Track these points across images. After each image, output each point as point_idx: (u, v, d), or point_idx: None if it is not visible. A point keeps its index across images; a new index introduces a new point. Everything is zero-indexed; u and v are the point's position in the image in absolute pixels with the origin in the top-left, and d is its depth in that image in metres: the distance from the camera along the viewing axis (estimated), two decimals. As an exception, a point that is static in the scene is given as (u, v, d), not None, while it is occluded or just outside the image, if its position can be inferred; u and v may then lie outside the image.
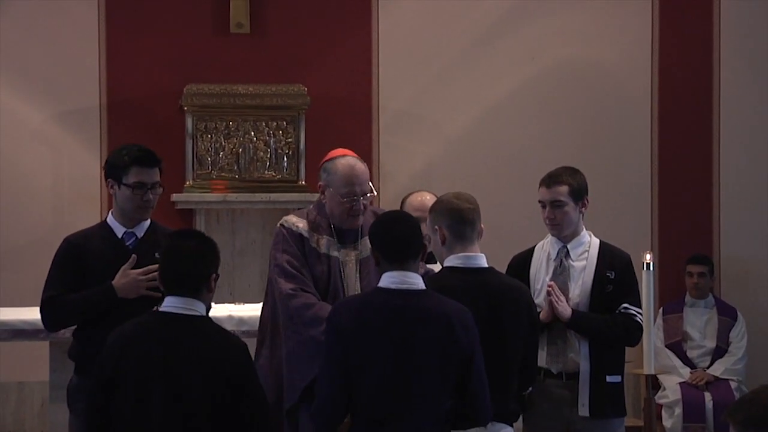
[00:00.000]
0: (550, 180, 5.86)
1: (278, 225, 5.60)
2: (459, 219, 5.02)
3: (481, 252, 5.10)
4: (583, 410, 5.73)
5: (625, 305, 5.81)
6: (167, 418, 4.44)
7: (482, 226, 5.11)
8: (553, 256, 5.88)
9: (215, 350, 4.50)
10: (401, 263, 4.68)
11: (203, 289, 4.59)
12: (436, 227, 5.04)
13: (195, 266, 4.58)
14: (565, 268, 5.84)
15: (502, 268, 5.48)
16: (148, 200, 5.50)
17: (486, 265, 5.07)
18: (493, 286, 4.99)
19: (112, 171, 5.53)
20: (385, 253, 4.71)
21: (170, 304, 4.58)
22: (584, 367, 5.71)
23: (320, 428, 4.75)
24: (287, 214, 5.75)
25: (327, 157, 5.63)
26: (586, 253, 5.85)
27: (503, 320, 4.95)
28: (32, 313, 5.84)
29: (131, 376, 4.47)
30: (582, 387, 5.71)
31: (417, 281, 4.69)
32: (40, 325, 5.65)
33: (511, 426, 5.03)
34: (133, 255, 5.38)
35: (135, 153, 5.52)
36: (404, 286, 4.66)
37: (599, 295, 5.78)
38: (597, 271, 5.81)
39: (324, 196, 5.56)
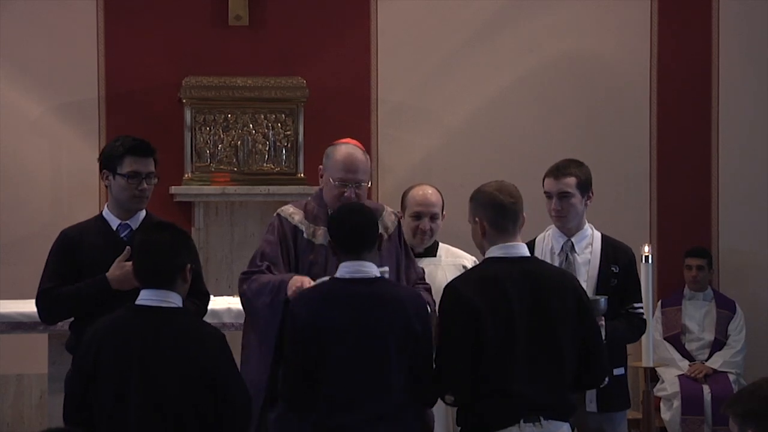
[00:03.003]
0: (558, 171, 5.83)
1: (275, 214, 5.59)
2: (501, 213, 4.93)
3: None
4: (591, 406, 5.70)
5: (633, 305, 5.84)
6: (144, 411, 4.49)
7: (524, 215, 5.02)
8: (557, 249, 5.86)
9: (189, 342, 4.55)
10: (357, 254, 4.90)
11: (178, 280, 4.64)
12: (476, 218, 4.98)
13: (168, 258, 4.63)
14: (571, 263, 5.82)
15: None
16: (143, 190, 5.50)
17: (528, 254, 5.01)
18: (536, 273, 4.92)
19: (107, 162, 5.54)
20: (341, 244, 4.93)
21: (145, 297, 4.64)
22: None
23: (290, 411, 4.94)
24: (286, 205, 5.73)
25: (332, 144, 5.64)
26: (590, 246, 5.84)
27: (549, 308, 4.85)
28: (31, 306, 5.83)
29: (109, 369, 4.53)
30: None
31: (371, 269, 4.91)
32: (39, 317, 5.67)
33: (567, 421, 4.90)
34: (128, 247, 5.35)
35: (129, 143, 5.53)
36: (359, 275, 4.88)
37: (604, 290, 5.76)
38: (601, 265, 5.81)
39: (322, 181, 5.55)
